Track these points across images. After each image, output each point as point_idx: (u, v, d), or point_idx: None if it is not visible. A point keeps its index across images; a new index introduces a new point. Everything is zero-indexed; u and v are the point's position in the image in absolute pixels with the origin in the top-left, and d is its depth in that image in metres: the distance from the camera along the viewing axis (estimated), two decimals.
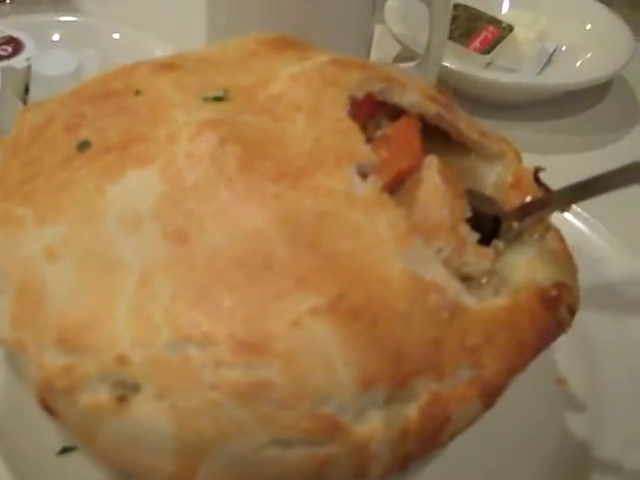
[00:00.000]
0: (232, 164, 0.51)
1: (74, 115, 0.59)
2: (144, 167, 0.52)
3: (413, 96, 0.64)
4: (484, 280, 0.55)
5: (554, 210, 0.59)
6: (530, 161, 0.66)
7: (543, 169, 0.63)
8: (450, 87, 0.76)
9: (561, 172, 0.63)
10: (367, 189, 0.52)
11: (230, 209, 0.50)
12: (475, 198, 0.61)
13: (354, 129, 0.56)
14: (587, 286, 0.60)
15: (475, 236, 0.57)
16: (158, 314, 0.47)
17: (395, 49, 1.24)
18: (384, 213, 0.52)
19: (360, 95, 0.61)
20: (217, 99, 0.58)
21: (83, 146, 0.56)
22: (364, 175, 0.54)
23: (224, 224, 0.49)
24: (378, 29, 1.06)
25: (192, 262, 0.48)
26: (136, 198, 0.51)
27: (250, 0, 0.93)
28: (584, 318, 0.60)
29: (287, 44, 0.68)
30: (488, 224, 0.60)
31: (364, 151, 0.55)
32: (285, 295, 0.47)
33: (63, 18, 1.12)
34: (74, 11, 1.19)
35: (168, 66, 0.63)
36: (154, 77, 0.61)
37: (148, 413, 0.46)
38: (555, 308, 0.54)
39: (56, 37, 1.09)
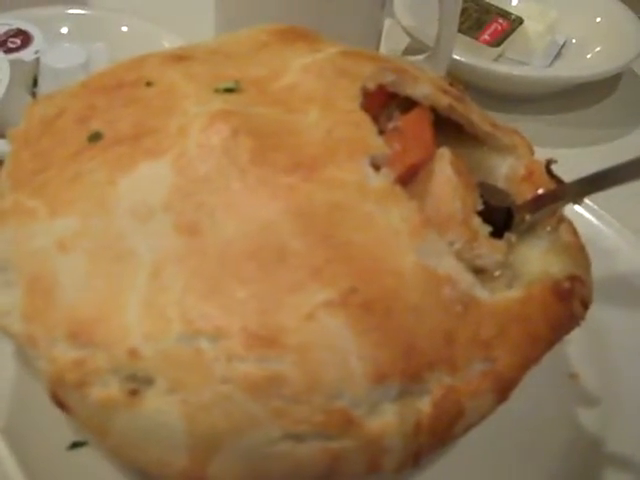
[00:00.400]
0: (244, 156, 0.51)
1: (85, 107, 0.59)
2: (156, 159, 0.52)
3: (425, 88, 0.63)
4: (497, 273, 0.55)
5: (567, 202, 0.59)
6: (540, 154, 0.65)
7: (555, 161, 0.63)
8: (461, 80, 0.75)
9: (571, 165, 0.63)
10: (380, 181, 0.52)
11: (242, 201, 0.50)
12: (487, 191, 0.61)
13: (366, 121, 0.56)
14: (599, 279, 0.60)
15: (487, 229, 0.57)
16: (170, 307, 0.46)
17: (404, 42, 1.24)
18: (397, 205, 0.51)
19: (372, 86, 0.60)
20: (228, 90, 0.58)
21: (94, 138, 0.55)
22: (377, 167, 0.53)
23: (236, 216, 0.49)
24: (387, 22, 1.06)
25: (204, 254, 0.48)
26: (148, 190, 0.51)
27: None
28: (596, 312, 0.59)
29: (297, 35, 0.68)
30: (500, 217, 0.60)
31: (377, 143, 0.55)
32: (299, 287, 0.47)
33: (72, 11, 1.11)
34: (82, 4, 1.19)
35: (178, 57, 0.63)
36: (165, 68, 0.61)
37: (160, 407, 0.45)
38: (568, 301, 0.54)
39: (65, 30, 1.08)
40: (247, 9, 0.94)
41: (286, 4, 0.92)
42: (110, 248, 0.49)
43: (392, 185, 0.53)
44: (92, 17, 1.11)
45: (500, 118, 0.68)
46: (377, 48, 1.04)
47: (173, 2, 1.27)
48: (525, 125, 0.71)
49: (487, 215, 0.58)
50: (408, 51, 1.23)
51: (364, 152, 0.53)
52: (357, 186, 0.51)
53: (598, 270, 0.60)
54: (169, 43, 1.02)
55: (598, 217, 0.80)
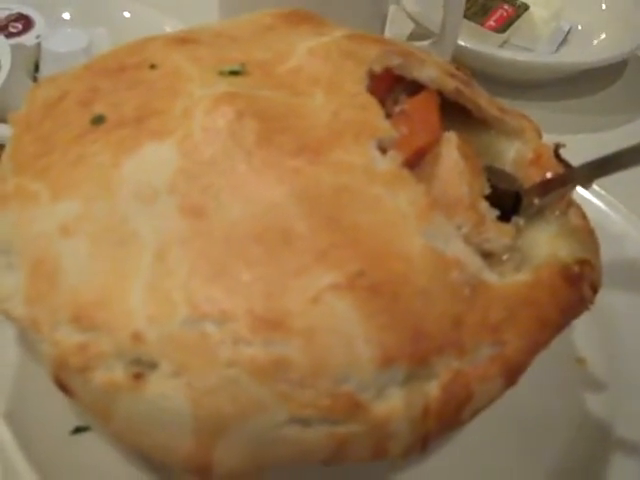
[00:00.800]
0: (250, 138, 0.51)
1: (88, 89, 0.58)
2: (160, 141, 0.51)
3: (432, 71, 0.63)
4: (505, 257, 0.54)
5: (575, 186, 0.58)
6: (545, 140, 0.65)
7: (563, 145, 0.63)
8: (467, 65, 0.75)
9: (577, 152, 0.62)
10: (387, 164, 0.52)
11: (248, 183, 0.49)
12: (494, 175, 0.60)
13: (373, 103, 0.55)
14: (607, 264, 0.59)
15: (495, 213, 0.56)
16: (175, 290, 0.46)
17: (409, 28, 1.23)
18: (404, 188, 0.51)
19: (378, 69, 0.60)
20: (234, 73, 0.57)
21: (97, 120, 0.55)
22: (383, 150, 0.53)
23: (242, 198, 0.49)
24: (392, 8, 1.05)
25: (209, 237, 0.47)
26: (152, 172, 0.50)
27: None
28: (604, 296, 0.59)
29: (302, 18, 0.67)
30: (508, 201, 0.59)
31: (383, 126, 0.54)
32: (304, 271, 0.46)
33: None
34: None
35: (182, 40, 0.62)
36: (169, 51, 0.60)
37: (164, 391, 0.45)
38: (578, 284, 0.53)
39: (66, 15, 1.08)
40: None
41: None
42: (114, 231, 0.49)
43: (399, 168, 0.52)
44: (94, 2, 1.10)
45: (505, 104, 0.67)
46: (381, 34, 1.03)
47: None
48: (530, 111, 0.70)
49: (495, 199, 0.57)
50: (413, 37, 1.22)
51: (371, 135, 0.53)
52: (364, 169, 0.51)
53: (606, 255, 0.59)
54: (171, 29, 1.01)
55: (606, 202, 0.79)
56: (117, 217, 0.49)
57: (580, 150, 0.63)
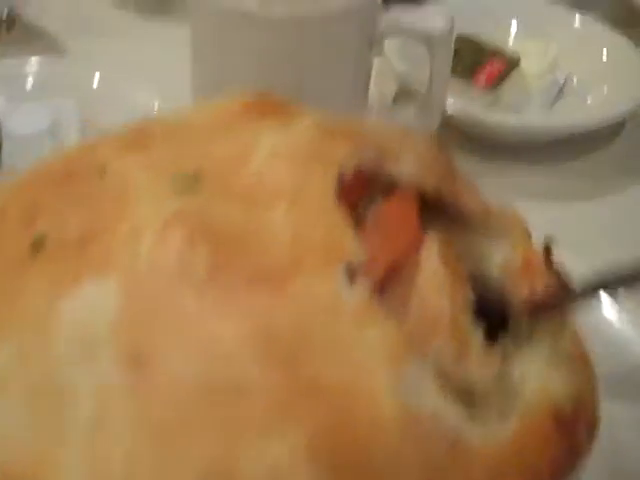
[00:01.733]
0: (201, 268, 0.46)
1: (30, 204, 0.54)
2: (101, 276, 0.47)
3: (409, 167, 0.58)
4: (489, 396, 0.49)
5: (569, 305, 0.53)
6: (539, 208, 0.62)
7: (553, 244, 0.57)
8: (454, 132, 0.70)
9: (572, 220, 0.58)
10: (354, 296, 0.46)
11: (197, 326, 0.44)
12: (479, 283, 0.55)
13: (341, 219, 0.50)
14: (607, 374, 0.55)
15: (480, 334, 0.51)
16: (114, 465, 0.41)
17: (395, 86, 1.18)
18: (374, 327, 0.45)
19: (349, 171, 0.55)
20: (187, 184, 0.52)
21: (38, 245, 0.50)
22: (352, 273, 0.47)
23: (190, 346, 0.44)
24: (377, 60, 1.02)
25: (153, 397, 0.42)
26: (91, 317, 0.45)
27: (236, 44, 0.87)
28: (606, 411, 0.54)
29: (269, 108, 0.62)
30: (494, 313, 0.54)
31: (351, 247, 0.49)
32: (258, 433, 0.41)
33: (38, 65, 1.06)
34: (51, 56, 1.14)
35: (136, 142, 0.58)
36: (119, 155, 0.56)
37: None
38: (571, 431, 0.48)
39: (29, 86, 1.04)
40: (223, 62, 0.89)
41: (268, 51, 0.86)
42: (48, 388, 0.44)
43: (368, 300, 0.47)
44: (60, 71, 1.06)
45: (495, 167, 0.63)
46: (366, 91, 1.00)
47: (147, 52, 1.21)
48: (522, 173, 0.66)
49: (479, 309, 0.52)
50: (399, 95, 1.17)
51: (337, 259, 0.48)
52: (328, 303, 0.46)
53: (605, 364, 0.55)
54: (144, 97, 0.97)
55: (607, 303, 0.74)
56: (52, 371, 0.44)
57: (575, 219, 0.59)
